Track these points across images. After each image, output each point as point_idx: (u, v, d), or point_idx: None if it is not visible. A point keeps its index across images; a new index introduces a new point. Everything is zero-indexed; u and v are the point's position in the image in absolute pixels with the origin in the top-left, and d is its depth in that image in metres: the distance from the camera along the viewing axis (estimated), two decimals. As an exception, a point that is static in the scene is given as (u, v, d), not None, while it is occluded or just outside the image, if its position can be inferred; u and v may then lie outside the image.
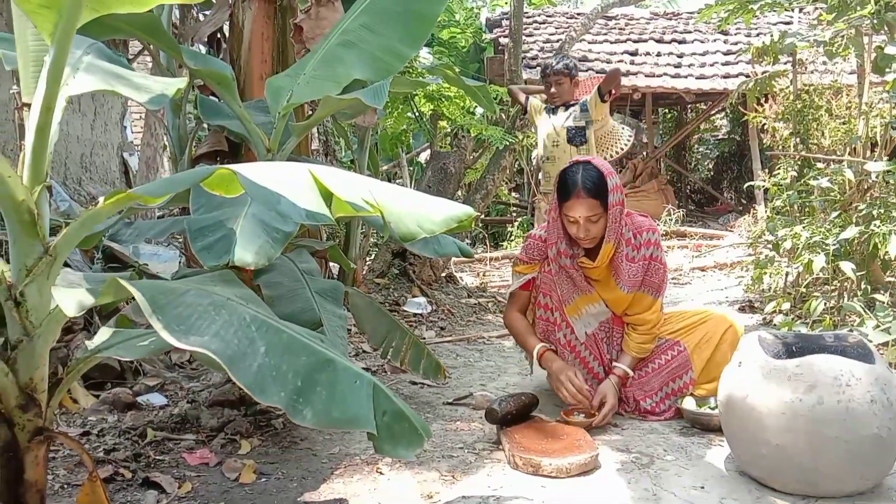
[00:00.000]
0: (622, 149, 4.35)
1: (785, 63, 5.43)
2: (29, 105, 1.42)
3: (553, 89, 4.17)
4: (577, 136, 4.13)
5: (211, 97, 3.17)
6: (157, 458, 2.22)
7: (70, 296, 1.28)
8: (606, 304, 2.72)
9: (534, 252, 2.78)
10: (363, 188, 1.40)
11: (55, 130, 1.42)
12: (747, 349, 2.09)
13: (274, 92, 2.57)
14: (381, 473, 2.13)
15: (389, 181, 9.06)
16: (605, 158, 4.13)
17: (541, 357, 2.69)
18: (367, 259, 5.76)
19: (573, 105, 4.19)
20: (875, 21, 3.47)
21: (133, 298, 2.01)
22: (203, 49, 4.08)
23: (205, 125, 3.68)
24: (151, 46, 3.17)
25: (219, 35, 3.71)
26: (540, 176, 4.45)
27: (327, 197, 1.35)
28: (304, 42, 3.05)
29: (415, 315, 4.70)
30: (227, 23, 3.44)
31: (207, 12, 3.83)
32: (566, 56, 4.28)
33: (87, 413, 2.62)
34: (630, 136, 4.45)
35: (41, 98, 1.36)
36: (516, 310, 2.86)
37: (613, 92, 4.17)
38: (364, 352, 3.78)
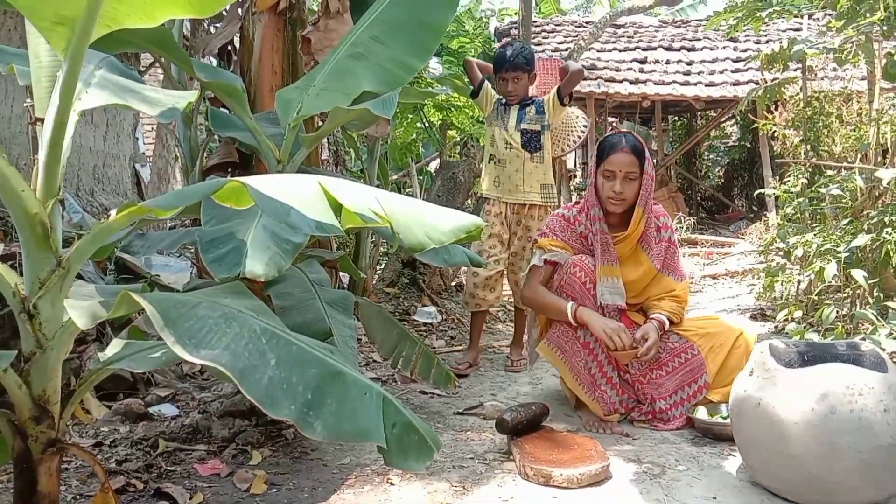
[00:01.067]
0: (579, 137, 3.83)
1: (794, 70, 5.42)
2: (42, 120, 1.44)
3: (510, 87, 3.55)
4: (532, 142, 3.60)
5: (222, 109, 3.19)
6: (169, 468, 2.23)
7: (83, 308, 1.29)
8: (624, 286, 2.74)
9: (556, 227, 2.82)
10: (372, 199, 1.41)
11: (68, 144, 1.44)
12: (759, 358, 2.08)
13: (284, 104, 2.59)
14: (391, 484, 2.13)
15: (399, 191, 9.09)
16: (563, 150, 3.82)
17: (575, 313, 2.64)
18: (377, 269, 5.78)
19: (529, 104, 3.60)
20: (885, 27, 3.46)
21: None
22: (213, 61, 4.11)
23: (216, 137, 3.71)
24: (163, 59, 3.20)
25: (229, 48, 3.74)
26: (483, 177, 3.77)
27: (337, 208, 1.35)
28: (314, 54, 3.08)
29: (425, 324, 4.71)
30: (238, 35, 3.46)
31: (218, 25, 3.87)
32: (524, 45, 3.62)
33: (99, 424, 2.63)
34: (586, 124, 3.89)
35: (54, 113, 1.38)
36: (537, 282, 2.81)
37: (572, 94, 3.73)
38: (374, 361, 3.78)
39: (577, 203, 2.88)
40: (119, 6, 1.34)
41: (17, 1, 1.26)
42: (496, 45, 12.96)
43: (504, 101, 3.63)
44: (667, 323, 2.68)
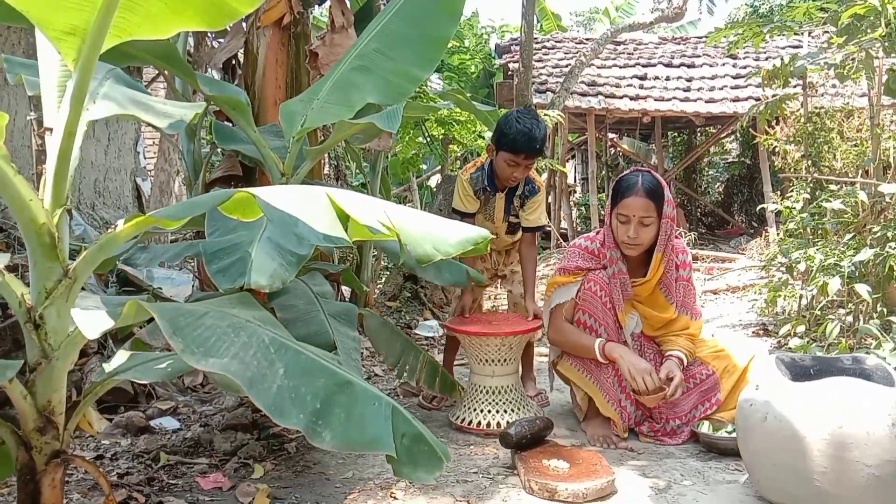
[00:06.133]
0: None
1: (795, 86, 5.44)
2: (51, 130, 1.44)
3: (516, 173, 2.96)
4: (514, 228, 3.19)
5: (225, 122, 3.20)
6: (171, 482, 2.21)
7: (90, 318, 1.29)
8: (642, 320, 2.74)
9: (577, 259, 2.74)
10: (379, 211, 1.40)
11: (76, 155, 1.44)
12: (765, 371, 2.07)
13: (288, 117, 2.59)
14: (395, 498, 2.12)
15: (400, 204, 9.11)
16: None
17: (603, 349, 2.59)
18: (379, 282, 5.77)
19: (516, 192, 3.11)
20: (886, 44, 3.48)
21: (149, 321, 2.01)
22: (217, 75, 4.13)
23: (219, 150, 3.71)
24: (166, 73, 3.21)
25: (233, 61, 3.76)
26: None
27: (344, 220, 1.35)
28: (320, 68, 3.09)
29: (426, 338, 4.70)
30: (242, 49, 3.49)
31: (222, 40, 3.89)
32: (544, 126, 2.96)
33: (100, 436, 2.62)
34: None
35: (64, 123, 1.38)
36: (560, 321, 2.75)
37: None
38: (376, 375, 3.77)
39: (598, 232, 2.79)
40: (130, 17, 1.35)
41: (30, 11, 1.27)
42: (497, 62, 13.02)
43: (487, 186, 3.08)
44: (684, 360, 2.64)
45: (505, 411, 2.81)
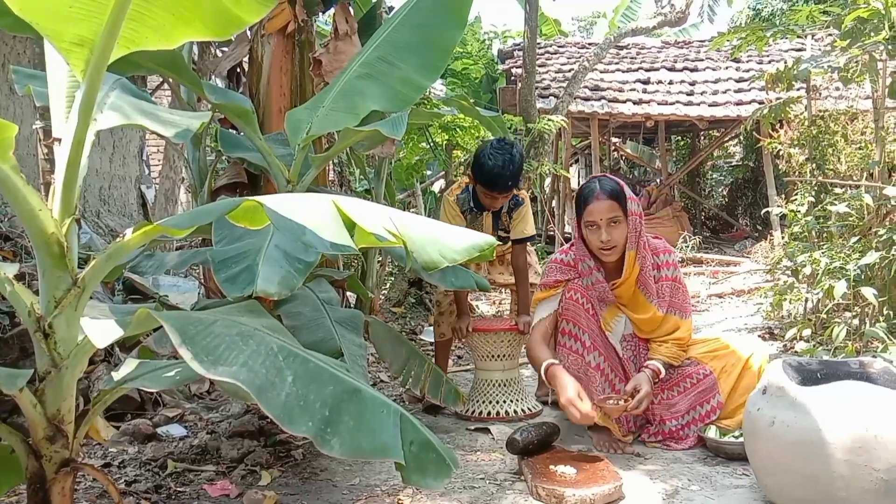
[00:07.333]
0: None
1: (798, 89, 5.44)
2: (59, 140, 1.45)
3: (495, 203, 3.23)
4: (502, 241, 3.33)
5: (231, 130, 3.21)
6: (178, 489, 2.22)
7: (99, 327, 1.29)
8: (630, 321, 2.73)
9: (556, 273, 2.75)
10: (385, 218, 1.41)
11: (84, 164, 1.45)
12: (772, 376, 2.07)
13: (293, 124, 2.60)
14: (402, 504, 2.12)
15: (404, 210, 9.13)
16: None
17: (546, 372, 2.56)
18: (384, 288, 5.78)
19: (501, 211, 3.33)
20: (890, 46, 3.48)
21: (155, 329, 2.02)
22: (220, 83, 4.15)
23: (224, 157, 3.72)
24: (171, 81, 3.22)
25: (238, 69, 3.77)
26: None
27: (350, 227, 1.36)
28: (323, 75, 3.10)
29: (431, 344, 4.69)
30: (247, 57, 3.50)
31: (226, 48, 3.91)
32: (519, 159, 3.14)
33: (107, 444, 2.63)
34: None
35: (72, 133, 1.39)
36: (538, 334, 2.76)
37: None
38: (382, 381, 3.78)
39: (571, 245, 2.78)
40: (138, 28, 1.36)
41: (39, 23, 1.28)
42: (500, 67, 13.05)
43: (474, 207, 3.32)
44: (662, 371, 2.62)
45: (514, 400, 3.14)
